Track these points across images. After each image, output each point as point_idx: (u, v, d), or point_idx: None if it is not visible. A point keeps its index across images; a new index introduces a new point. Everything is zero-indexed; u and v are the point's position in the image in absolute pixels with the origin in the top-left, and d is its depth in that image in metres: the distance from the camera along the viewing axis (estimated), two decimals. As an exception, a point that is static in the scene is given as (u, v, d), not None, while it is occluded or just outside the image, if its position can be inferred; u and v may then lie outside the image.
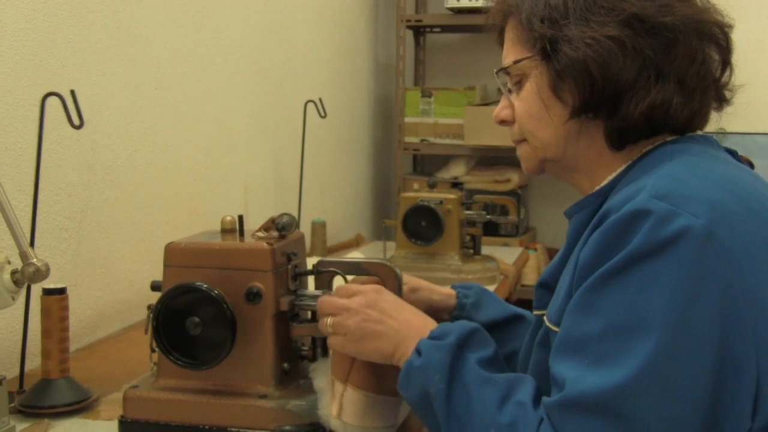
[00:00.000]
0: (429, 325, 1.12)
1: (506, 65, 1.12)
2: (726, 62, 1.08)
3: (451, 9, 3.64)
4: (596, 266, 0.95)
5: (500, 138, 3.47)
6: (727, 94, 1.10)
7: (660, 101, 1.03)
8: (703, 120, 1.10)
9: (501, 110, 1.16)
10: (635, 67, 1.02)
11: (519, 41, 1.11)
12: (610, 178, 1.09)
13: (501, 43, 1.17)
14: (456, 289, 1.40)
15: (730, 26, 1.08)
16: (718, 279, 0.90)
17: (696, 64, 1.04)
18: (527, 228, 3.87)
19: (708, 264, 0.90)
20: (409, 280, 1.36)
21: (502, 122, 1.16)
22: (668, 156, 1.04)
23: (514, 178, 3.65)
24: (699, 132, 1.11)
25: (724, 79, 1.08)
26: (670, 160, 1.03)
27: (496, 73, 1.14)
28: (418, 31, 3.99)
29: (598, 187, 1.10)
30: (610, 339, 0.91)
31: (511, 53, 1.12)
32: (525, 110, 1.11)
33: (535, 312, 1.16)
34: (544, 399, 0.96)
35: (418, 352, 1.07)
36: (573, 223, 1.12)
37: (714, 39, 1.06)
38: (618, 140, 1.07)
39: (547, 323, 1.07)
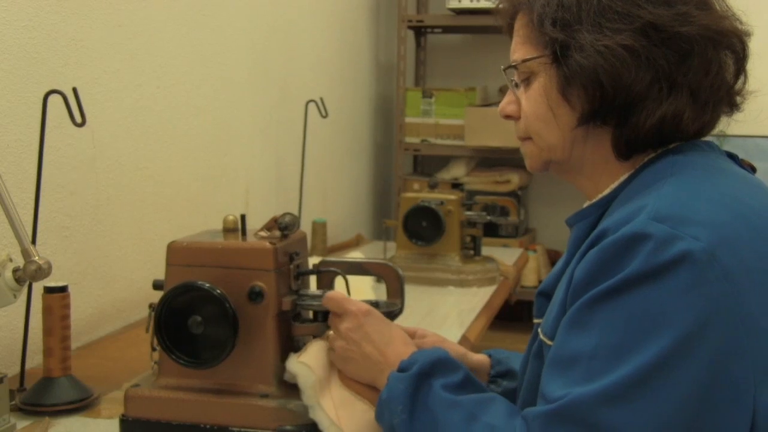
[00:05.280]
0: (408, 354, 1.11)
1: (515, 62, 1.09)
2: (740, 70, 1.05)
3: (453, 10, 3.64)
4: (591, 285, 0.94)
5: (500, 139, 3.47)
6: (738, 99, 1.07)
7: (671, 114, 1.00)
8: (712, 128, 1.07)
9: (507, 105, 1.13)
10: (648, 77, 0.99)
11: (529, 39, 1.08)
12: (613, 186, 1.07)
13: (510, 34, 1.14)
14: (485, 352, 1.37)
15: (749, 34, 1.05)
16: (719, 303, 0.89)
17: (710, 75, 1.01)
18: (527, 229, 3.87)
19: (709, 288, 0.89)
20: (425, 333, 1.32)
21: (507, 117, 1.13)
22: (670, 170, 1.01)
23: (515, 179, 3.65)
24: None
25: (738, 86, 1.06)
26: (671, 175, 1.00)
27: (505, 69, 1.11)
28: (420, 31, 3.99)
29: (599, 197, 1.08)
30: (601, 357, 0.90)
31: (520, 49, 1.09)
32: (532, 110, 1.08)
33: (535, 320, 1.15)
34: (527, 410, 0.95)
35: (387, 384, 1.08)
36: (574, 231, 1.10)
37: (731, 47, 1.03)
38: (625, 150, 1.04)
39: (541, 335, 1.06)
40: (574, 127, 1.06)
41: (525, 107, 1.10)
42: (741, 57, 1.05)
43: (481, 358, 1.32)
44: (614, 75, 0.99)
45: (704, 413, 0.88)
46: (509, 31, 1.14)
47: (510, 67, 1.11)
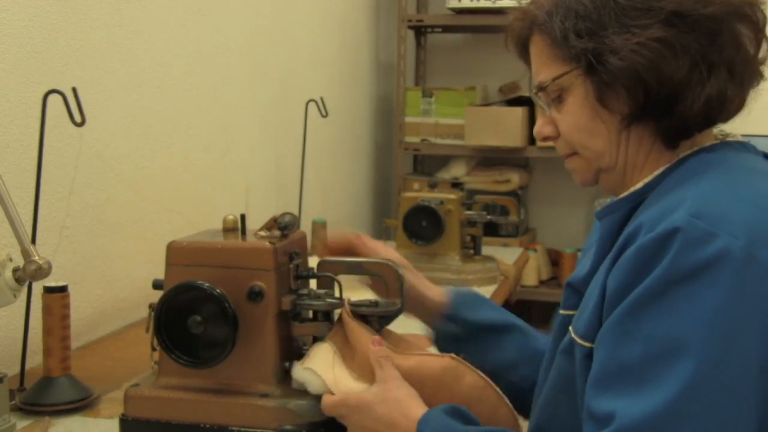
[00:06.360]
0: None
1: (545, 83, 1.08)
2: (760, 39, 1.05)
3: (453, 9, 3.64)
4: (630, 287, 0.93)
5: (500, 138, 3.47)
6: (762, 69, 1.06)
7: (716, 94, 1.01)
8: (746, 103, 1.07)
9: (543, 127, 1.12)
10: (686, 64, 0.99)
11: (552, 58, 1.07)
12: (646, 180, 1.06)
13: (522, 56, 1.14)
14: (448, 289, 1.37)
15: (763, 3, 1.05)
16: (760, 300, 0.89)
17: (742, 50, 1.02)
18: (527, 229, 3.87)
19: (749, 285, 0.89)
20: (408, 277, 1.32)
21: (546, 138, 1.13)
22: (703, 168, 1.02)
23: (514, 179, 3.65)
24: (738, 137, 1.08)
25: (761, 55, 1.05)
26: (705, 172, 1.00)
27: (535, 93, 1.10)
28: (420, 31, 3.99)
29: (630, 190, 1.07)
30: (650, 365, 0.89)
31: (545, 70, 1.08)
32: (572, 124, 1.08)
33: (561, 311, 1.13)
34: None
35: None
36: (604, 224, 1.09)
37: (749, 19, 1.03)
38: (674, 138, 1.04)
39: (573, 334, 1.04)
40: (619, 130, 1.05)
41: (563, 124, 1.09)
42: (760, 27, 1.05)
43: (438, 292, 1.33)
44: (655, 69, 0.99)
45: (760, 409, 0.88)
46: (523, 55, 1.14)
47: (540, 89, 1.09)
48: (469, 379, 1.17)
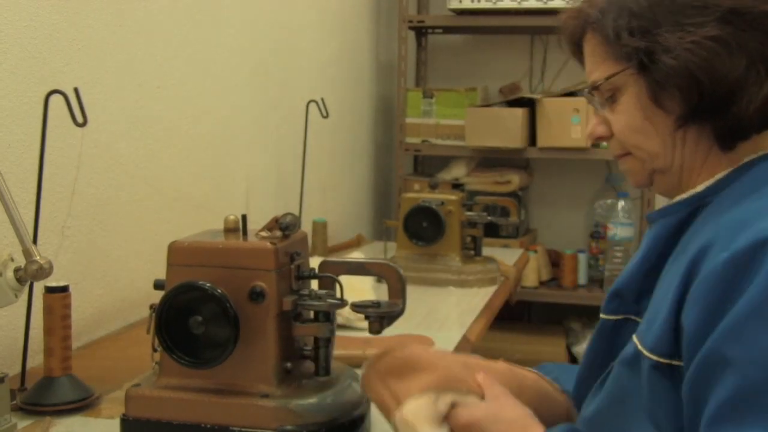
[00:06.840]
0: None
1: (598, 82, 1.07)
2: None
3: (454, 10, 3.64)
4: (721, 309, 0.87)
5: (501, 139, 3.47)
6: None
7: None
8: None
9: (596, 127, 1.10)
10: (742, 63, 0.97)
11: (606, 57, 1.05)
12: (707, 184, 1.03)
13: (575, 56, 1.13)
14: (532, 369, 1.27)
15: None
16: None
17: None
18: (527, 230, 3.87)
19: None
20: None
21: (599, 139, 1.11)
22: None
23: (515, 180, 3.65)
24: None
25: None
26: None
27: (588, 92, 1.09)
28: (420, 31, 3.99)
29: (690, 193, 1.04)
30: (759, 397, 0.83)
31: (598, 69, 1.07)
32: (626, 124, 1.06)
33: (603, 316, 1.11)
34: None
35: None
36: (656, 227, 1.06)
37: None
38: (730, 140, 1.02)
39: (639, 346, 0.99)
40: (673, 131, 1.03)
41: (616, 123, 1.07)
42: None
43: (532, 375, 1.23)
44: (708, 68, 0.97)
45: None
46: (576, 55, 1.13)
47: (593, 89, 1.08)
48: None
